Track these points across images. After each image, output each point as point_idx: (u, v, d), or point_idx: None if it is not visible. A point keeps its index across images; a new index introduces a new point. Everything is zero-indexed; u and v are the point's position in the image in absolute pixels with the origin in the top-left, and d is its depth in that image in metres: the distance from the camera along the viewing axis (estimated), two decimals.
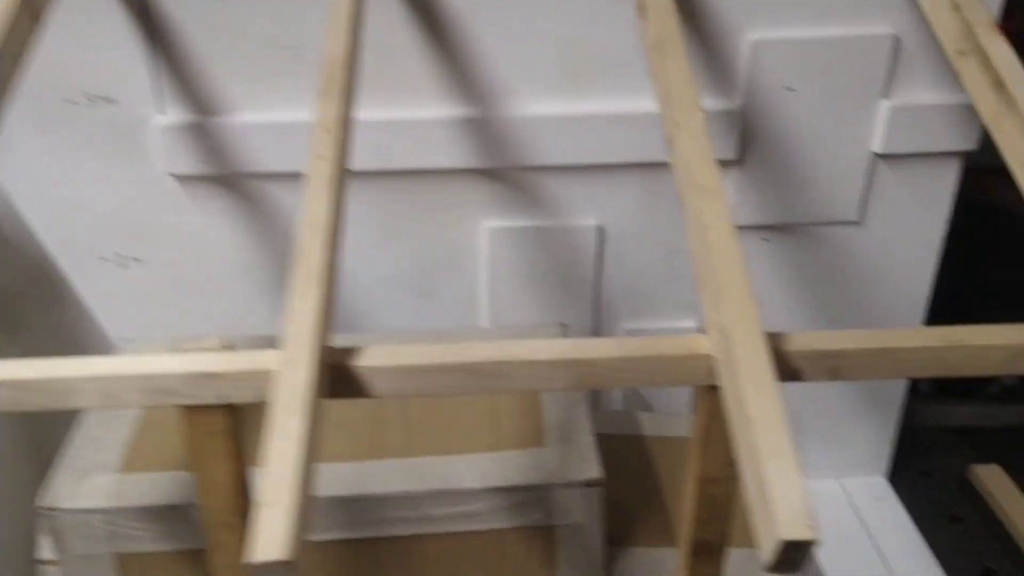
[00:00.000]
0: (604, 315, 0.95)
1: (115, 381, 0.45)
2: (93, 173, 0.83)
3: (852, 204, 0.87)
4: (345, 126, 0.55)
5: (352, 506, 0.66)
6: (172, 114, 0.81)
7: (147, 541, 0.66)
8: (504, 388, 0.47)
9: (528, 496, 0.67)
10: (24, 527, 0.74)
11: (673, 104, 0.55)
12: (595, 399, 1.00)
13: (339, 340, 0.70)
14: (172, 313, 0.91)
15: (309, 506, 0.40)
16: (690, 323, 0.95)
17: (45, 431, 0.83)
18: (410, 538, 0.68)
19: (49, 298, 0.89)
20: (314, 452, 0.42)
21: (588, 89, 0.81)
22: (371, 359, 0.46)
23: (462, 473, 0.67)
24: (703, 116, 0.54)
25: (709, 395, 0.49)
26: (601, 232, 0.89)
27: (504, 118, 0.82)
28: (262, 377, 0.45)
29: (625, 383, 0.48)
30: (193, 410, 0.47)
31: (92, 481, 0.66)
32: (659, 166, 0.83)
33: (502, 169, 0.85)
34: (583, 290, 0.92)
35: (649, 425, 0.89)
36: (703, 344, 0.47)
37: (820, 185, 0.86)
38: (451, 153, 0.83)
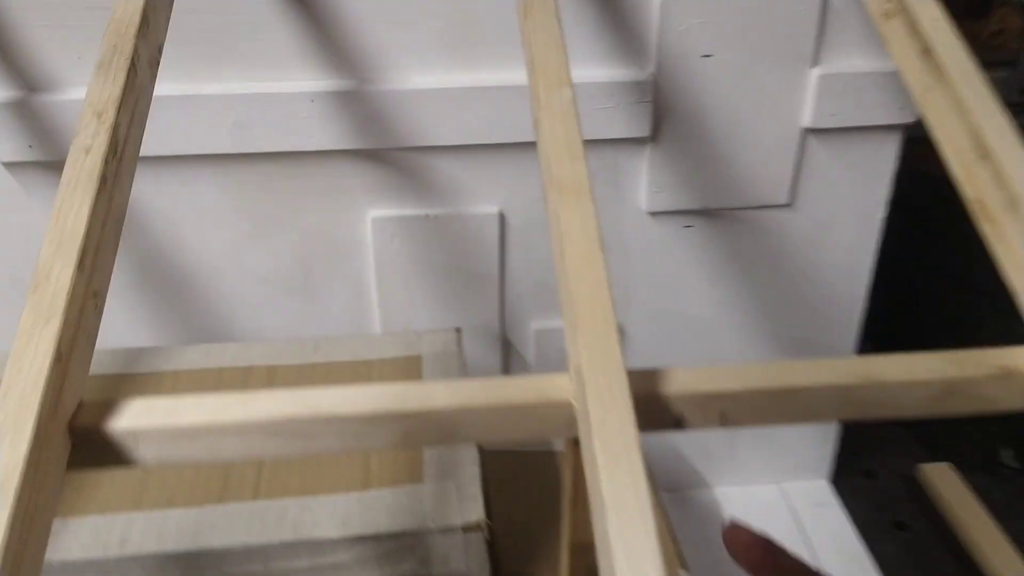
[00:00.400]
0: (511, 314, 0.84)
1: None
2: None
3: (782, 185, 0.78)
4: (133, 108, 0.44)
5: (189, 562, 0.56)
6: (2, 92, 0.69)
7: None
8: (309, 450, 0.37)
9: (398, 544, 0.57)
10: None
11: (538, 79, 0.45)
12: None
13: (193, 356, 0.59)
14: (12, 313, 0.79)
15: None
16: None
17: None
18: None
19: None
20: (33, 547, 0.32)
21: (477, 59, 0.70)
22: (129, 418, 0.36)
23: (320, 519, 0.57)
24: (570, 93, 0.43)
25: (574, 449, 0.39)
26: (503, 220, 0.79)
27: (383, 92, 0.71)
28: None
29: (466, 438, 0.38)
30: None
31: None
32: None
33: (385, 151, 0.74)
34: (486, 286, 0.82)
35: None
36: (562, 387, 0.37)
37: (746, 164, 0.76)
38: (323, 133, 0.72)
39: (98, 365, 0.69)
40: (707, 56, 0.71)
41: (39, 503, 0.32)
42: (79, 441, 0.36)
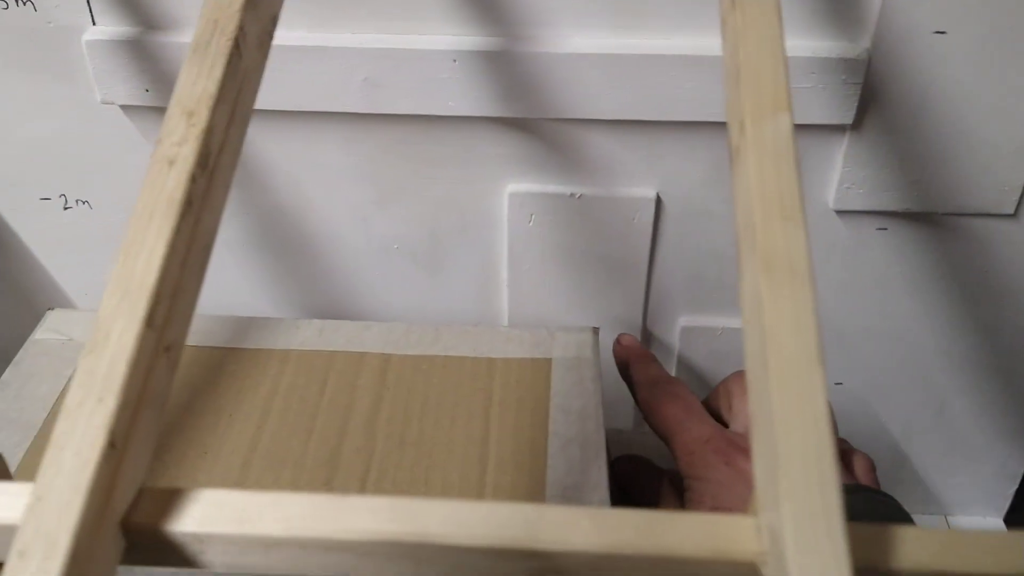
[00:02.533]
0: (656, 307, 0.74)
1: None
2: (18, 95, 0.66)
3: (1011, 193, 0.64)
4: (238, 99, 0.36)
5: None
6: (104, 27, 0.62)
7: None
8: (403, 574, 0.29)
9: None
10: None
11: (743, 90, 0.34)
12: (639, 412, 0.81)
13: (306, 333, 0.53)
14: None
15: None
16: None
17: None
18: None
19: None
20: None
21: (651, 22, 0.59)
22: (194, 518, 0.29)
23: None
24: (788, 121, 0.33)
25: None
26: (659, 205, 0.68)
27: (537, 53, 0.60)
28: (10, 533, 0.28)
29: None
30: None
31: None
32: None
33: (533, 120, 0.64)
34: (632, 275, 0.72)
35: None
36: (747, 540, 0.28)
37: (967, 164, 0.63)
38: (465, 97, 0.62)
39: (202, 334, 0.64)
40: (940, 33, 0.57)
41: None
42: (134, 541, 0.29)
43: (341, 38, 0.60)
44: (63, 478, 0.27)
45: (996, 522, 0.85)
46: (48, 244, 0.75)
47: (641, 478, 0.66)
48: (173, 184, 0.32)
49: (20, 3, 0.62)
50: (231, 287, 0.75)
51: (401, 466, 0.56)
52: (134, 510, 0.29)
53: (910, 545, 0.26)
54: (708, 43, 0.59)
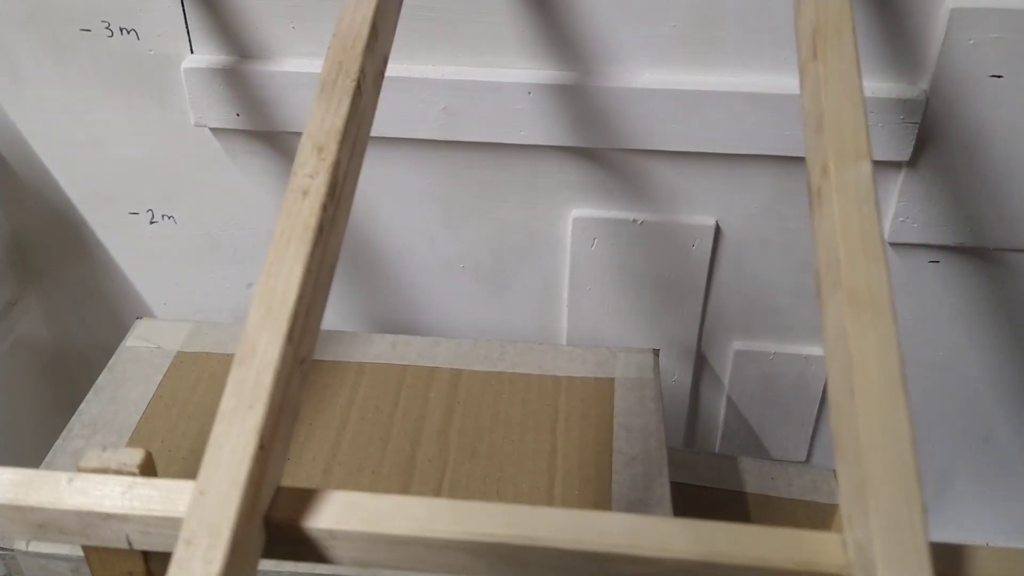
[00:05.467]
0: (712, 330, 0.77)
1: None
2: (117, 116, 0.71)
3: None
4: (356, 134, 0.40)
5: None
6: (201, 55, 0.66)
7: None
8: None
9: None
10: None
11: (825, 136, 0.37)
12: (690, 432, 0.84)
13: (379, 346, 0.56)
14: (209, 278, 0.79)
15: None
16: (819, 351, 0.76)
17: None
18: None
19: (74, 250, 0.79)
20: None
21: (715, 60, 0.62)
22: (329, 516, 0.32)
23: None
24: (869, 168, 0.35)
25: None
26: (718, 232, 0.71)
27: (606, 88, 0.64)
28: (176, 526, 0.32)
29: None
30: (94, 550, 0.34)
31: None
32: (797, 161, 0.64)
33: (599, 150, 0.67)
34: (689, 299, 0.75)
35: (755, 477, 0.73)
36: (832, 553, 0.31)
37: (1017, 202, 0.65)
38: (536, 127, 0.66)
39: None
40: (996, 76, 0.59)
41: None
42: (274, 535, 0.32)
43: (423, 69, 0.64)
44: (222, 474, 0.30)
45: None
46: (133, 256, 0.79)
47: None
48: (307, 212, 0.35)
49: (124, 32, 0.66)
50: None
51: (473, 476, 0.59)
52: (275, 507, 0.32)
53: (987, 562, 0.29)
54: (769, 81, 0.62)
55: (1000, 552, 0.30)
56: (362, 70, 0.40)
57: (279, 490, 0.33)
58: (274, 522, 0.32)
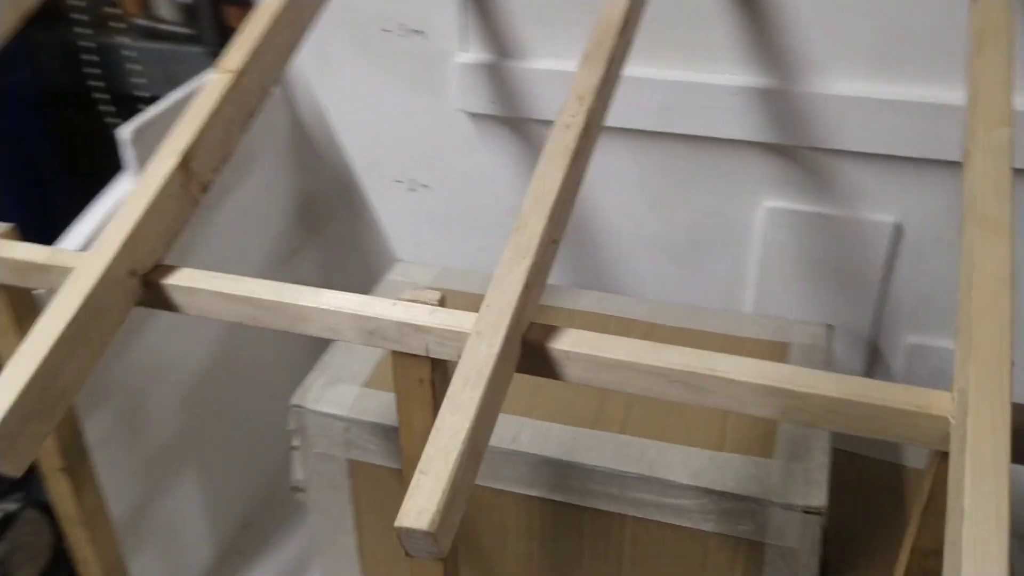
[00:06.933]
0: (886, 323, 0.85)
1: (336, 316, 0.48)
2: (398, 101, 0.89)
3: None
4: (604, 94, 0.53)
5: (560, 469, 0.66)
6: (472, 53, 0.83)
7: (377, 455, 0.71)
8: (699, 402, 0.44)
9: (740, 506, 0.63)
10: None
11: (977, 111, 0.47)
12: None
13: (588, 300, 0.69)
14: (449, 240, 0.96)
15: (470, 479, 0.40)
16: None
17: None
18: (612, 515, 0.67)
19: (347, 210, 0.97)
20: (487, 424, 0.42)
21: (904, 72, 0.71)
22: (566, 343, 0.45)
23: (674, 464, 0.65)
24: (1008, 133, 0.45)
25: (939, 461, 0.42)
26: (899, 231, 0.80)
27: (804, 93, 0.75)
28: (459, 338, 0.46)
29: (839, 427, 0.42)
30: (400, 355, 0.49)
31: (339, 389, 0.72)
32: None
33: (793, 147, 0.78)
34: (866, 291, 0.83)
35: (915, 453, 0.80)
36: (942, 403, 0.41)
37: None
38: (739, 123, 0.77)
39: None
40: None
41: (496, 392, 0.43)
42: (527, 352, 0.46)
43: (649, 70, 0.77)
44: (501, 300, 0.44)
45: None
46: (391, 217, 0.97)
47: None
48: (568, 139, 0.49)
49: (414, 32, 0.84)
50: None
51: (657, 413, 0.69)
52: (529, 332, 0.46)
53: None
54: (952, 94, 0.70)
55: None
56: (615, 48, 0.54)
57: (532, 323, 0.46)
58: (528, 343, 0.45)
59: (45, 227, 0.62)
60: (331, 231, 1.00)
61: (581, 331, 0.46)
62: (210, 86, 0.52)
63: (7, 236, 0.51)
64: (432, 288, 0.48)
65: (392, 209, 0.96)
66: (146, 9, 1.10)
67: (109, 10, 1.06)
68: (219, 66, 0.53)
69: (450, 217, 0.94)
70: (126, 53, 1.06)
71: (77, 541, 0.65)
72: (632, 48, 0.58)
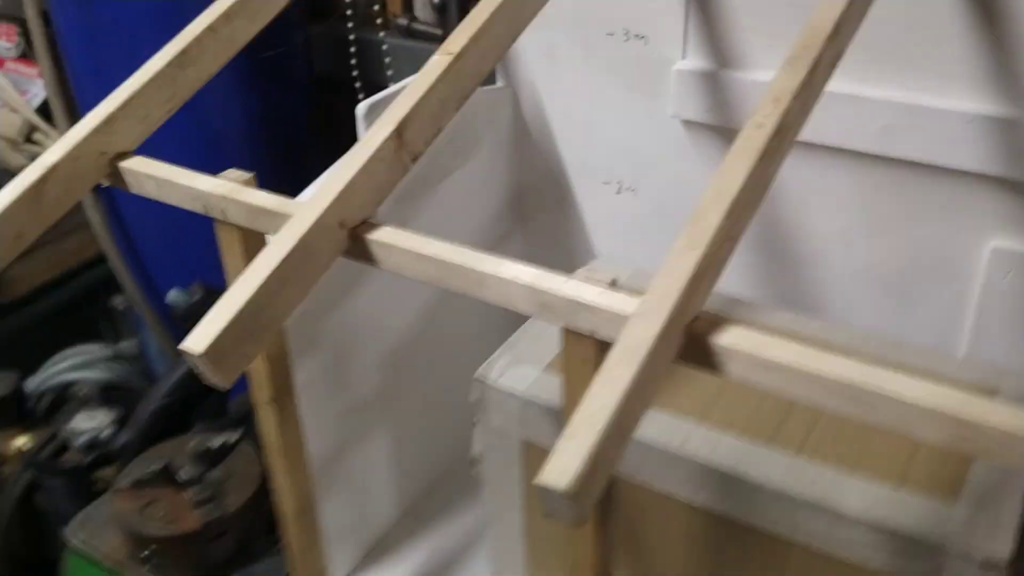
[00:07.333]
0: None
1: (510, 285, 0.51)
2: (615, 104, 0.91)
3: None
4: (803, 99, 0.53)
5: (727, 481, 0.65)
6: (692, 60, 0.84)
7: (548, 437, 0.73)
8: (865, 419, 0.42)
9: (913, 550, 0.59)
10: None
11: None
12: None
13: (783, 318, 0.68)
14: (649, 244, 0.96)
15: (614, 453, 0.42)
16: None
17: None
18: (776, 539, 0.65)
19: (555, 205, 1.01)
20: (637, 404, 0.43)
21: None
22: (729, 338, 0.45)
23: (849, 496, 0.62)
24: None
25: None
26: None
27: None
28: (624, 320, 0.47)
29: (1012, 462, 0.39)
30: (569, 333, 0.51)
31: (521, 369, 0.75)
32: None
33: None
34: None
35: None
36: None
37: None
38: (971, 153, 0.73)
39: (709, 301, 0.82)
40: None
41: (651, 375, 0.44)
42: (689, 342, 0.46)
43: (870, 89, 0.74)
44: (665, 282, 0.45)
45: None
46: (597, 217, 0.99)
47: None
48: (758, 139, 0.49)
49: (637, 37, 0.86)
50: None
51: (840, 439, 0.67)
52: (694, 322, 0.46)
53: None
54: None
55: None
56: (821, 54, 0.53)
57: (699, 315, 0.47)
58: (690, 332, 0.46)
59: (297, 190, 0.70)
60: (538, 224, 1.03)
61: (747, 328, 0.45)
62: (430, 66, 0.57)
63: (247, 184, 0.58)
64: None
65: (597, 209, 0.99)
66: (407, 10, 1.21)
67: (375, 9, 1.18)
68: (441, 49, 0.58)
69: (653, 222, 0.95)
70: (384, 48, 1.17)
71: (276, 470, 0.72)
72: (845, 59, 0.56)
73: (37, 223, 0.58)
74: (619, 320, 0.47)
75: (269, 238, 0.65)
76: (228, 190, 0.58)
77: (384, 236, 0.54)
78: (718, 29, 0.81)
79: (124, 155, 0.63)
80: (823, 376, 0.43)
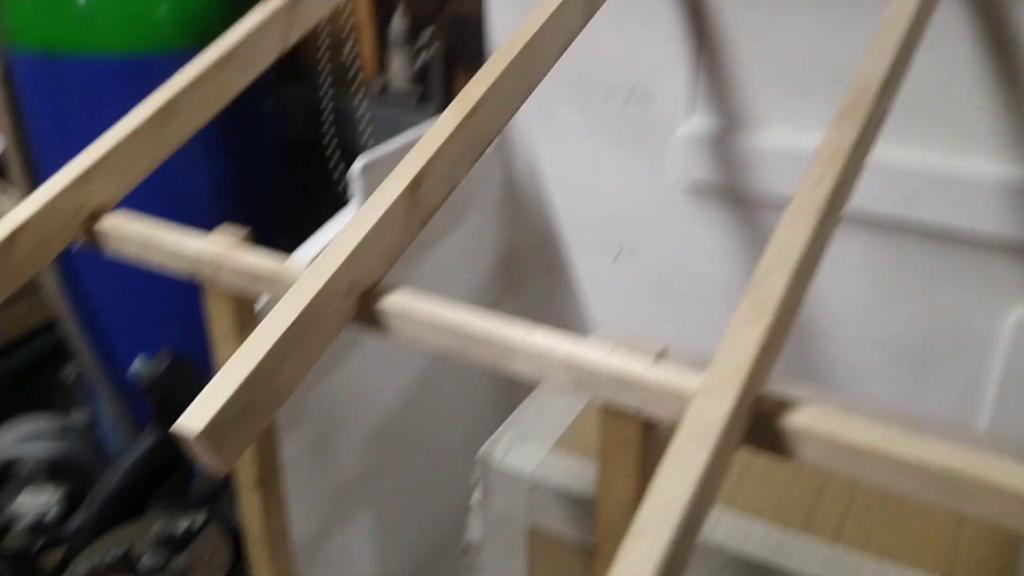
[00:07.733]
0: None
1: (546, 358, 0.46)
2: (614, 166, 0.87)
3: None
4: (856, 156, 0.49)
5: (760, 572, 0.60)
6: (700, 120, 0.81)
7: (560, 523, 0.67)
8: (954, 507, 0.38)
9: None
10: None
11: None
12: None
13: (799, 391, 0.64)
14: (648, 313, 0.92)
15: (686, 547, 0.36)
16: None
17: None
18: None
19: (548, 269, 0.96)
20: (709, 493, 0.38)
21: None
22: (803, 419, 0.40)
23: None
24: None
25: None
26: None
27: None
28: (680, 397, 0.42)
29: None
30: (610, 411, 0.45)
31: (528, 447, 0.69)
32: None
33: None
34: None
35: None
36: None
37: None
38: (993, 221, 0.70)
39: None
40: None
41: (721, 461, 0.38)
42: (755, 423, 0.41)
43: (891, 149, 0.71)
44: (736, 358, 0.40)
45: None
46: (592, 280, 0.95)
47: None
48: (819, 195, 0.45)
49: (636, 100, 0.83)
50: None
51: (877, 523, 0.62)
52: (759, 402, 0.41)
53: None
54: None
55: None
56: (873, 109, 0.49)
57: (762, 394, 0.42)
58: (758, 412, 0.41)
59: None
60: (530, 288, 0.98)
61: (823, 407, 0.41)
62: (444, 119, 0.52)
63: (245, 239, 0.53)
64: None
65: (593, 273, 0.94)
66: (382, 74, 1.17)
67: (350, 74, 1.14)
68: (454, 101, 0.54)
69: (652, 289, 0.91)
70: (358, 114, 1.13)
71: (258, 559, 0.65)
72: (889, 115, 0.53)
73: (3, 285, 0.51)
74: (673, 398, 0.42)
75: (262, 303, 0.60)
76: (221, 250, 0.52)
77: (398, 302, 0.48)
78: (726, 95, 0.78)
79: (100, 213, 0.57)
80: (917, 462, 0.38)
